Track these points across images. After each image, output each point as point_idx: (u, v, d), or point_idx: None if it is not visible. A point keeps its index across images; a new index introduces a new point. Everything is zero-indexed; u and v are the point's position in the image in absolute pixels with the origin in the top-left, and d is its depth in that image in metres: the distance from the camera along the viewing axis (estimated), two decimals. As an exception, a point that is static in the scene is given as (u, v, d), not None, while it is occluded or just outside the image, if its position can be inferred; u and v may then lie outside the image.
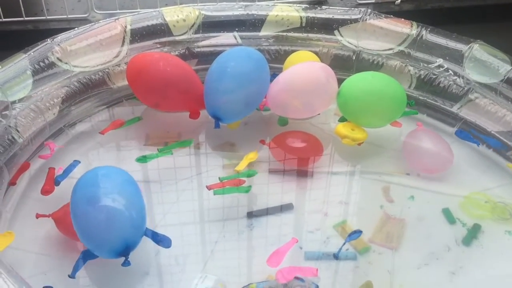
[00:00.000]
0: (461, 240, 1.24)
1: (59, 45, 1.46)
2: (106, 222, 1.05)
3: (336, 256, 1.18)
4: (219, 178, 1.32)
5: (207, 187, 1.31)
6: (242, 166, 1.36)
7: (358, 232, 1.22)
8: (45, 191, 1.30)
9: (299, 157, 1.47)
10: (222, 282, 1.12)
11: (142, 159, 1.44)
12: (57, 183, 1.32)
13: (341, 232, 1.26)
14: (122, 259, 1.06)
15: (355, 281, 1.15)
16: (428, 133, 1.49)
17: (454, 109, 1.55)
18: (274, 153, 1.47)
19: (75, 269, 1.08)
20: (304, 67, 1.49)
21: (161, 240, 1.14)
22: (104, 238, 1.06)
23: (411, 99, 1.53)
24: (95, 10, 2.23)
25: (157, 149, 1.46)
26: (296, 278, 1.10)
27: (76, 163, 1.38)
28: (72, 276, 1.07)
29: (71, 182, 1.32)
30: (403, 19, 1.64)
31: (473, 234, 1.25)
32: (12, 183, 1.32)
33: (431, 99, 1.59)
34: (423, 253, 1.21)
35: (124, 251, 1.06)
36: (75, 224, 1.07)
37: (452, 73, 1.54)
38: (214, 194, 1.29)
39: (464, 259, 1.20)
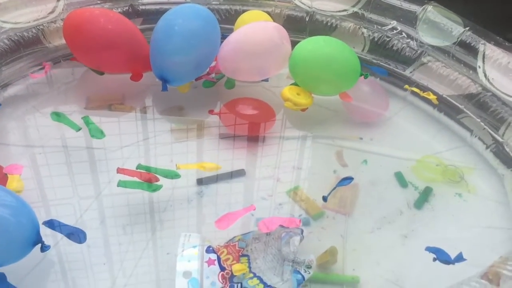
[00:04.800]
0: (413, 204, 1.24)
1: (-15, -3, 1.33)
2: (5, 219, 0.93)
3: (325, 199, 1.19)
4: (137, 166, 1.21)
5: (117, 169, 1.18)
6: (187, 167, 1.25)
7: (349, 178, 1.22)
8: None
9: (250, 121, 1.42)
10: (208, 239, 1.09)
11: (57, 117, 1.35)
12: None
13: (293, 197, 1.23)
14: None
15: (308, 247, 1.13)
16: (368, 83, 1.49)
17: (407, 72, 1.54)
18: (224, 120, 1.42)
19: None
20: (257, 27, 1.43)
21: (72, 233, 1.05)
22: (10, 237, 0.93)
23: (366, 71, 1.47)
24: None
25: (82, 117, 1.36)
26: (281, 226, 1.09)
27: None
28: None
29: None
30: (357, -22, 1.60)
31: (424, 197, 1.25)
32: None
33: (384, 62, 1.57)
34: (376, 217, 1.21)
35: (38, 236, 0.97)
36: None
37: (406, 36, 1.53)
38: (117, 186, 1.15)
39: (416, 222, 1.20)
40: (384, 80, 1.57)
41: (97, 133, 1.32)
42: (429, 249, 1.10)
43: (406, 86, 1.51)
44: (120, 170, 1.18)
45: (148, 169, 1.21)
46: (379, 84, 1.54)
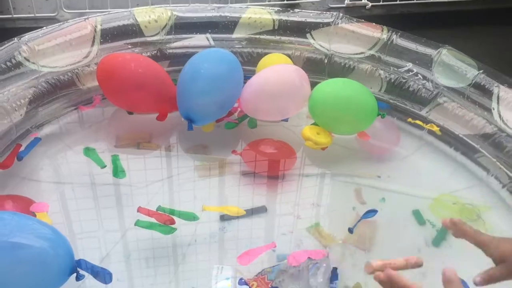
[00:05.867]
0: (431, 241, 1.26)
1: (26, 44, 1.42)
2: (44, 251, 0.97)
3: (351, 231, 1.23)
4: (157, 207, 1.25)
5: (138, 208, 1.23)
6: (212, 209, 1.29)
7: (374, 211, 1.27)
8: (3, 166, 1.33)
9: (270, 159, 1.46)
10: (239, 271, 1.13)
11: (88, 152, 1.43)
12: (20, 158, 1.36)
13: (314, 234, 1.26)
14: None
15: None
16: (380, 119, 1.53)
17: (423, 112, 1.58)
18: (245, 158, 1.46)
19: None
20: (278, 70, 1.50)
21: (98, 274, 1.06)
22: (48, 267, 0.98)
23: (383, 111, 1.52)
24: (64, 9, 2.19)
25: (111, 155, 1.43)
26: (309, 258, 1.12)
27: (37, 140, 1.42)
28: None
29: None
30: (374, 23, 1.66)
31: (442, 235, 1.27)
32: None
33: (401, 102, 1.61)
34: (394, 254, 1.20)
35: (73, 265, 1.01)
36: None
37: (421, 77, 1.58)
38: (135, 225, 1.20)
39: (434, 260, 1.21)
40: (401, 120, 1.61)
41: (119, 173, 1.38)
42: None
43: (409, 119, 1.56)
44: (140, 210, 1.23)
45: (168, 211, 1.25)
46: (391, 120, 1.58)
